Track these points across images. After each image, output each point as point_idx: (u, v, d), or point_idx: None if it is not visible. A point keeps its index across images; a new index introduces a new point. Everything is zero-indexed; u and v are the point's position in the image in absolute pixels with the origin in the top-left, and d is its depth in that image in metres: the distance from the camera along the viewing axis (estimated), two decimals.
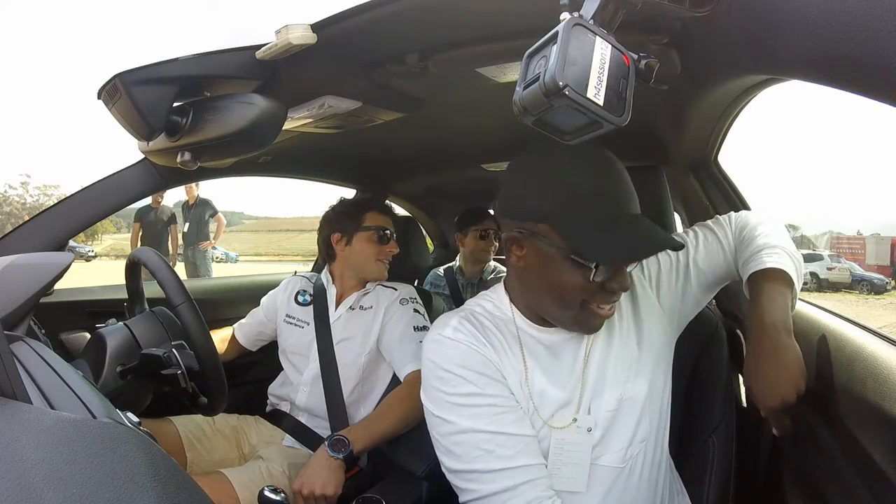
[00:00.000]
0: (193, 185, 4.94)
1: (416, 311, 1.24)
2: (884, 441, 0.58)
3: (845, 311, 1.07)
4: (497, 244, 2.07)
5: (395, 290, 1.28)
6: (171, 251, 5.07)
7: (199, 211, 5.03)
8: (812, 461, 0.75)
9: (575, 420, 0.70)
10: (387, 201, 1.87)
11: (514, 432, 0.66)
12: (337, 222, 1.29)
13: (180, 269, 4.99)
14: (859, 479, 0.62)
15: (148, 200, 4.94)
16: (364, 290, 1.28)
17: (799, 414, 0.80)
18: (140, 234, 5.00)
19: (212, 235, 5.37)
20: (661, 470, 0.75)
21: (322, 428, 1.19)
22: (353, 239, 1.26)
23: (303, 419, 1.22)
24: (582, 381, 0.72)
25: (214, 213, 5.14)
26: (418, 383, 1.15)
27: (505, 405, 0.67)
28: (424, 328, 1.21)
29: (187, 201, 5.12)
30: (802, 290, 0.71)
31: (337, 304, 1.28)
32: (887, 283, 15.61)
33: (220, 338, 1.34)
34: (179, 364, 0.87)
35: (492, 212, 2.10)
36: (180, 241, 5.12)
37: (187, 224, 5.07)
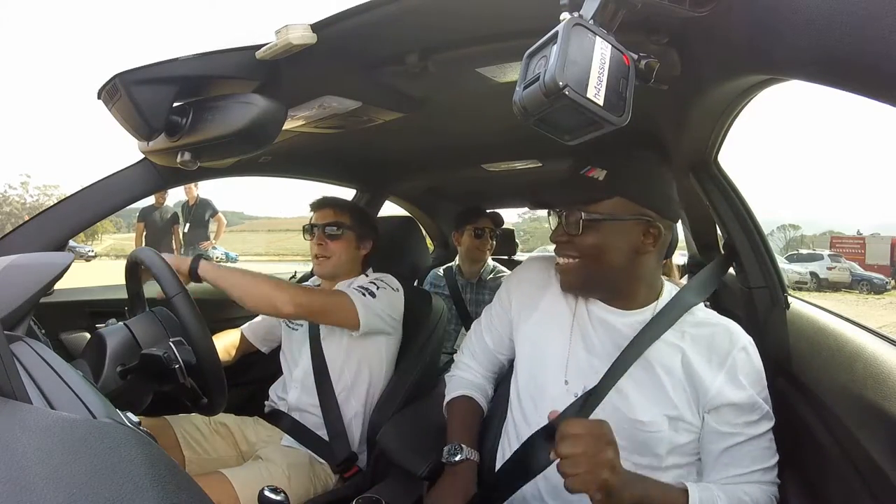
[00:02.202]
0: (193, 185, 4.94)
1: (371, 281, 1.23)
2: (884, 441, 0.58)
3: (845, 311, 1.07)
4: (493, 243, 2.05)
5: (366, 276, 1.30)
6: (174, 251, 5.07)
7: (199, 211, 5.03)
8: (812, 461, 0.75)
9: (566, 382, 0.80)
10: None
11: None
12: None
13: None
14: (859, 479, 0.62)
15: (150, 200, 4.94)
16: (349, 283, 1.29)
17: (799, 414, 0.80)
18: (144, 233, 5.00)
19: (212, 235, 5.37)
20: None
21: (314, 426, 1.20)
22: None
23: (295, 416, 1.23)
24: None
25: (214, 213, 5.14)
26: (319, 292, 1.21)
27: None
28: (366, 291, 1.18)
29: (187, 202, 5.12)
30: (803, 290, 0.71)
31: None
32: (887, 282, 15.59)
33: (229, 340, 1.35)
34: (177, 359, 0.87)
35: (489, 211, 2.09)
36: (182, 241, 5.12)
37: (187, 224, 5.08)
